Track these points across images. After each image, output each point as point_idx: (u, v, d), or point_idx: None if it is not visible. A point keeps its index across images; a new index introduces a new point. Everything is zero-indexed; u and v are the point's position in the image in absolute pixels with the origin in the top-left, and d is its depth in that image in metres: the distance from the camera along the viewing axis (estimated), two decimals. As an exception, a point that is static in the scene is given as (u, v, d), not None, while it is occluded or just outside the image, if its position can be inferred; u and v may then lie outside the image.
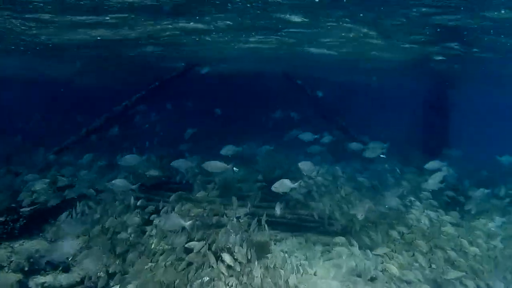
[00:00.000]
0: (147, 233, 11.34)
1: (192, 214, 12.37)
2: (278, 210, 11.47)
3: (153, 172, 13.75)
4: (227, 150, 13.65)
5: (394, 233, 11.30)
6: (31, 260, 10.34)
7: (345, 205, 13.07)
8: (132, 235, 11.06)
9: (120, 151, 17.57)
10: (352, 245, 10.89)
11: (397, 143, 21.78)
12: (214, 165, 11.82)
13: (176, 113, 24.82)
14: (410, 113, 27.48)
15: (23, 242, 11.06)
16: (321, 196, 13.85)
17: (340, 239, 11.28)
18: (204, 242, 10.12)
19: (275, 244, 12.30)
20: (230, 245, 10.20)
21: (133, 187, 11.65)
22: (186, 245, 10.07)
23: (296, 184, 10.78)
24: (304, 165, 12.01)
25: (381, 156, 15.86)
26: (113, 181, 11.37)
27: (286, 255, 11.45)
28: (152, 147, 19.24)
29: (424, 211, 12.46)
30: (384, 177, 16.27)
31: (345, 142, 17.02)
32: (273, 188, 10.69)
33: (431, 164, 14.34)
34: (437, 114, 23.80)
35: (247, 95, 33.61)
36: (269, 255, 11.28)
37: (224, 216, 12.50)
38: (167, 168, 15.24)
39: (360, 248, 10.94)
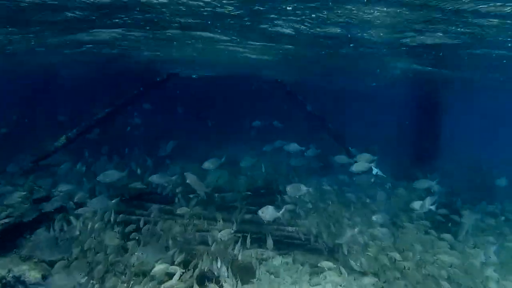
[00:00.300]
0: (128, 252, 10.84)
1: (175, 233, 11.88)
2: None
3: (136, 185, 13.28)
4: (210, 164, 12.97)
5: (385, 259, 10.90)
6: (3, 281, 9.80)
7: (332, 225, 12.62)
8: (112, 256, 10.54)
9: (100, 156, 17.20)
10: (340, 273, 10.49)
11: (388, 152, 21.62)
12: (194, 180, 11.39)
13: (159, 118, 24.34)
14: (403, 120, 27.21)
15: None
16: (308, 215, 13.43)
17: (327, 264, 10.86)
18: (184, 270, 9.66)
19: (260, 263, 11.92)
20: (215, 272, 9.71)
21: (112, 202, 11.16)
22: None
23: (280, 212, 10.28)
24: (293, 189, 11.25)
25: (376, 172, 15.55)
26: (92, 200, 10.84)
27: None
28: (134, 153, 18.63)
29: (416, 233, 12.11)
30: (374, 192, 15.88)
31: (332, 154, 16.36)
32: (259, 213, 10.21)
33: (420, 183, 14.04)
34: (428, 121, 23.57)
35: (234, 100, 33.34)
36: (254, 279, 10.85)
37: (208, 233, 11.97)
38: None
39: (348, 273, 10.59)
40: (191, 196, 13.66)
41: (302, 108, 20.00)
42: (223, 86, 33.59)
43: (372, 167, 19.24)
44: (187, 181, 11.43)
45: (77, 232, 11.27)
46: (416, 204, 12.65)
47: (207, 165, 12.77)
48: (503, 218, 14.82)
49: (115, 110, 14.67)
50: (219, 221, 12.14)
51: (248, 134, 22.89)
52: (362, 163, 13.58)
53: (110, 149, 17.86)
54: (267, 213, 9.98)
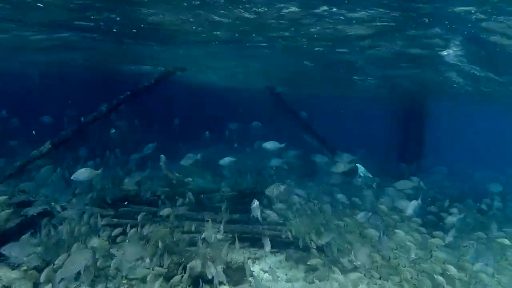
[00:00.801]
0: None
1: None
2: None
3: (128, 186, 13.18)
4: (187, 159, 13.29)
5: (377, 257, 10.92)
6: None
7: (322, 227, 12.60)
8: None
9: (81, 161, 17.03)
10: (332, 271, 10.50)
11: (374, 154, 21.94)
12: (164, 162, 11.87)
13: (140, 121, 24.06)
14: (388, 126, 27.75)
15: (-18, 269, 10.08)
16: (297, 217, 13.42)
17: (317, 260, 11.02)
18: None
19: (254, 262, 11.85)
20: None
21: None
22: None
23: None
24: (272, 189, 11.25)
25: (362, 172, 15.62)
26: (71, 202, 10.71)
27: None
28: (116, 157, 18.44)
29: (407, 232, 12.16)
30: (361, 193, 15.96)
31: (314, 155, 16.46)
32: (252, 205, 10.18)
33: (401, 184, 14.20)
34: (413, 126, 24.08)
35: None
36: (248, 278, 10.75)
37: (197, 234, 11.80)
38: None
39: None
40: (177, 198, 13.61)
41: (292, 114, 20.13)
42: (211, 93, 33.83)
43: (358, 167, 19.50)
44: (160, 163, 11.46)
45: (63, 237, 11.02)
46: (402, 204, 12.86)
47: (184, 161, 13.14)
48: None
49: (101, 115, 14.45)
50: (208, 221, 11.97)
51: (232, 139, 22.85)
52: (341, 163, 13.57)
53: (91, 153, 17.68)
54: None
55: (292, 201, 14.18)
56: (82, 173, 11.23)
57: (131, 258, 8.66)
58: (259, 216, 10.08)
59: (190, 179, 15.69)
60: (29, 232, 10.87)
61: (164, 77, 16.44)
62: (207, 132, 22.94)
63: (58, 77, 32.97)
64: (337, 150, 18.94)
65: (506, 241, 12.61)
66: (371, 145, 23.47)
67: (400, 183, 14.20)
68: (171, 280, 9.35)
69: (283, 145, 16.29)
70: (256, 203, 9.88)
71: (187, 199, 13.58)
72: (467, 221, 14.66)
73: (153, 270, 9.64)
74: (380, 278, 10.26)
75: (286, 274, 11.40)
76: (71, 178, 11.26)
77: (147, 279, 9.49)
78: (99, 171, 11.51)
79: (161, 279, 9.23)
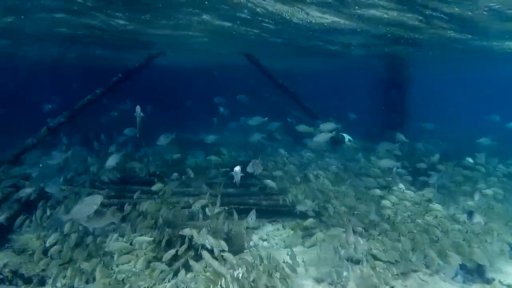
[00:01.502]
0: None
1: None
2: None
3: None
4: (163, 139, 13.20)
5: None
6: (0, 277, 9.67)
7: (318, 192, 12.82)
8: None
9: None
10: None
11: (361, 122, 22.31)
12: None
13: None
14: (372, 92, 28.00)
15: (-11, 256, 10.29)
16: (292, 183, 13.76)
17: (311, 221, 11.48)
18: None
19: (252, 232, 12.31)
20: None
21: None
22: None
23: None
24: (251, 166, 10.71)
25: (349, 139, 15.93)
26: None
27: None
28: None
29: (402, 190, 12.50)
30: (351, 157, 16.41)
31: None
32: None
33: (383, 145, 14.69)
34: (396, 91, 24.44)
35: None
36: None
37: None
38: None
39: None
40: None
41: (276, 84, 20.22)
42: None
43: (344, 136, 19.90)
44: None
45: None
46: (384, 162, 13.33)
47: (161, 140, 13.09)
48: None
49: (96, 98, 14.59)
50: (206, 194, 12.22)
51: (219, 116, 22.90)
52: (324, 133, 13.72)
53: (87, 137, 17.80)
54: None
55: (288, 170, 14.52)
56: (54, 157, 11.61)
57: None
58: (237, 182, 10.01)
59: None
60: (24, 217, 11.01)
61: (150, 60, 16.56)
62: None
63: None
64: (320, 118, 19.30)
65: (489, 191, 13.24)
66: (355, 112, 23.66)
67: (382, 144, 14.66)
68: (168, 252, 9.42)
69: (266, 118, 16.74)
70: (237, 168, 10.00)
71: (182, 176, 13.86)
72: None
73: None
74: (379, 235, 10.67)
75: (284, 241, 11.92)
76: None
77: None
78: (69, 153, 11.66)
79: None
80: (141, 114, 11.79)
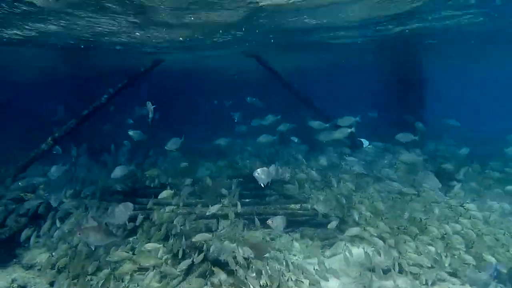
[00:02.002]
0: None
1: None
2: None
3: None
4: (172, 144, 12.88)
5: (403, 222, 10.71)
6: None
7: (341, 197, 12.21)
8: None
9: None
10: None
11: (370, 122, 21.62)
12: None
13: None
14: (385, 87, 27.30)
15: (-4, 272, 9.84)
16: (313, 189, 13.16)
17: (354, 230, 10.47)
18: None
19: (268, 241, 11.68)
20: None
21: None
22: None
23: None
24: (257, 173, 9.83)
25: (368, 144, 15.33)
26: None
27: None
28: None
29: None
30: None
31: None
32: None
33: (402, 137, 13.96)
34: (410, 88, 23.68)
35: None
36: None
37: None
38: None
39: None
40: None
41: (285, 85, 19.69)
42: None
43: (363, 141, 19.20)
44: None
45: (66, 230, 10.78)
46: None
47: (169, 145, 12.78)
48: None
49: (101, 105, 14.15)
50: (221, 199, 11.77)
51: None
52: (343, 128, 13.16)
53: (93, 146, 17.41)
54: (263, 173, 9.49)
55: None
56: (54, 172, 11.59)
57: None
58: (263, 184, 9.50)
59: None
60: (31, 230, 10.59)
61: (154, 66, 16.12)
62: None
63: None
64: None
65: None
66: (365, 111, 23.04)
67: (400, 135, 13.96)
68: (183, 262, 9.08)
69: (278, 117, 16.40)
70: (259, 170, 9.42)
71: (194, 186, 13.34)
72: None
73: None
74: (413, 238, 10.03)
75: (302, 252, 11.28)
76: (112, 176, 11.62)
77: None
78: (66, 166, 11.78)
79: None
80: (152, 108, 11.49)
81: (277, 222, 9.18)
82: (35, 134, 15.09)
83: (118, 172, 11.50)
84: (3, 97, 31.79)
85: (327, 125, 14.60)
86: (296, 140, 17.65)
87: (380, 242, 9.57)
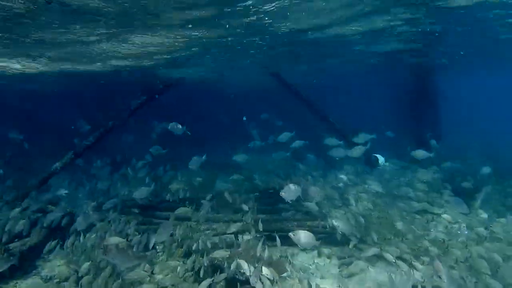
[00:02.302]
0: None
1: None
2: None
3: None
4: (194, 162, 13.20)
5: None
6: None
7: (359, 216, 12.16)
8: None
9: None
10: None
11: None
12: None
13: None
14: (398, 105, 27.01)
15: (17, 283, 9.93)
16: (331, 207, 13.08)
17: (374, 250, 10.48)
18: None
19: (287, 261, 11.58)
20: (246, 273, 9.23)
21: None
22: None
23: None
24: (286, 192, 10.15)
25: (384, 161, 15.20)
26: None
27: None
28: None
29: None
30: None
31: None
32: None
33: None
34: (426, 103, 23.38)
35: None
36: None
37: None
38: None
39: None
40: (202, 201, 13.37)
41: (303, 102, 19.66)
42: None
43: (378, 157, 19.01)
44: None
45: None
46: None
47: (193, 163, 13.08)
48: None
49: (120, 122, 14.30)
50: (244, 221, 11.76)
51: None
52: (359, 147, 13.08)
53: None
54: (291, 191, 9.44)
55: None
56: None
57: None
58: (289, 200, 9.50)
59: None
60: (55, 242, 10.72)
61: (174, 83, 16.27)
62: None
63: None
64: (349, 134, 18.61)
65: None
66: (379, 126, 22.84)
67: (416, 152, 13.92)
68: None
69: (293, 133, 16.29)
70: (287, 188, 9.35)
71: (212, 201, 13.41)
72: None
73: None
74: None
75: (319, 270, 11.16)
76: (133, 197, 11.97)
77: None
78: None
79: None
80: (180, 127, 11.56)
81: (299, 236, 9.15)
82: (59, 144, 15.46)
83: (141, 193, 11.59)
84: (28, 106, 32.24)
85: (341, 142, 14.58)
86: (312, 157, 17.53)
87: (401, 264, 9.45)
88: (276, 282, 9.17)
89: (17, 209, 11.47)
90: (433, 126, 22.89)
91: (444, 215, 11.63)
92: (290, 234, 9.20)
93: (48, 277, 10.04)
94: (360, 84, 37.06)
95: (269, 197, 14.50)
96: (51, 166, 13.01)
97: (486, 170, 15.08)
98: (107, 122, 14.23)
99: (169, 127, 11.09)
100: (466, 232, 10.21)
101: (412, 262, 9.74)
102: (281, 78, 19.93)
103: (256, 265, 9.14)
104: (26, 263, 10.44)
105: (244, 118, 23.75)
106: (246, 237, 11.80)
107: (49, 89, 30.25)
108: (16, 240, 10.80)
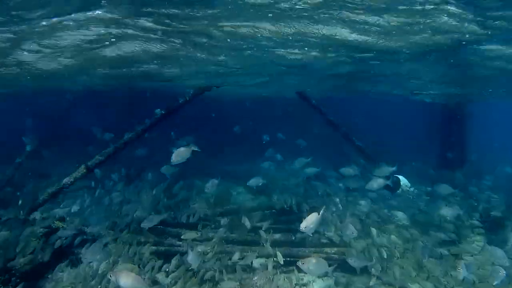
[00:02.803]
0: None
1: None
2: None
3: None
4: (210, 185, 13.29)
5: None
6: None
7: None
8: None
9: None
10: None
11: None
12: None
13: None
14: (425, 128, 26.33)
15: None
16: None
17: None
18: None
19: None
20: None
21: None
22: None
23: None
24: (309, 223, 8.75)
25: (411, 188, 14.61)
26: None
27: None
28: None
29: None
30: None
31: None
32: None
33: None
34: (454, 127, 22.55)
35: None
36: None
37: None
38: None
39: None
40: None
41: (327, 121, 19.10)
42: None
43: (401, 179, 18.19)
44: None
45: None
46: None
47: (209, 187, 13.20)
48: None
49: (137, 135, 13.92)
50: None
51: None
52: (378, 178, 12.46)
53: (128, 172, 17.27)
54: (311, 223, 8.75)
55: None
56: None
57: None
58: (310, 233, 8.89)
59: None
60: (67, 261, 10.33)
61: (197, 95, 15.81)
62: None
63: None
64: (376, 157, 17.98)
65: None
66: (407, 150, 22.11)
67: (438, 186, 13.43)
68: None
69: (309, 159, 15.90)
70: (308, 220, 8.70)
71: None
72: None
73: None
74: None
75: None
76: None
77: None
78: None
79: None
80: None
81: (310, 265, 8.52)
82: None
83: (151, 221, 11.13)
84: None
85: (357, 172, 14.41)
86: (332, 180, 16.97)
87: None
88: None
89: (29, 229, 11.05)
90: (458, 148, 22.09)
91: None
92: (299, 263, 8.54)
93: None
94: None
95: (283, 214, 14.10)
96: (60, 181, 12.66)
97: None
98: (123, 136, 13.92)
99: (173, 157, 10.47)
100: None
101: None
102: (305, 97, 19.45)
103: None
104: (30, 283, 10.01)
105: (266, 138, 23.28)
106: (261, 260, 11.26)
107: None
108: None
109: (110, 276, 7.80)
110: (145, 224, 10.94)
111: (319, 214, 8.64)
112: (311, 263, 8.55)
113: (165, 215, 12.19)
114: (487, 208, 14.53)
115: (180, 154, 10.45)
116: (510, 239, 11.86)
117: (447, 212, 12.27)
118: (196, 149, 10.62)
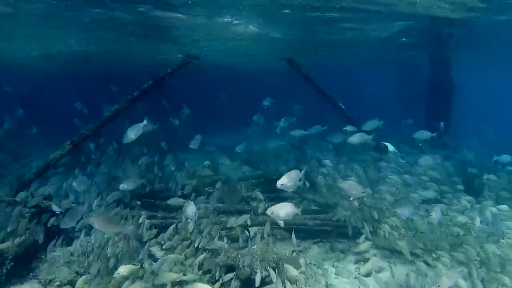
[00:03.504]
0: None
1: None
2: None
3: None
4: (195, 141, 13.37)
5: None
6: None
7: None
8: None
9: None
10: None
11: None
12: None
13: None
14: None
15: (13, 289, 9.25)
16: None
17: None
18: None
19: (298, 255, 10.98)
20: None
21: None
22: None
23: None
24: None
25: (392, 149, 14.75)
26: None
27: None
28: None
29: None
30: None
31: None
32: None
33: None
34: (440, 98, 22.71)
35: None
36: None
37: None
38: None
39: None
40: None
41: (317, 90, 18.89)
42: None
43: (388, 144, 18.41)
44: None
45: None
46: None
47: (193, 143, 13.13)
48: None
49: (124, 107, 13.47)
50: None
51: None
52: (360, 133, 12.57)
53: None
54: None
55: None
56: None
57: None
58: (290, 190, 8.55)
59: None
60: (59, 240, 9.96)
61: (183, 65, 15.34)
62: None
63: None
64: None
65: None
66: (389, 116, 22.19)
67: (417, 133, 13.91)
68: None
69: (293, 119, 16.76)
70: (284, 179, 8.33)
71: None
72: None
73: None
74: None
75: (333, 266, 10.57)
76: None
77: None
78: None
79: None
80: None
81: (277, 212, 8.07)
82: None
83: (128, 184, 10.78)
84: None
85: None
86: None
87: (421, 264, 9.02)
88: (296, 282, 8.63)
89: (18, 208, 10.63)
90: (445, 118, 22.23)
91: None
92: (267, 211, 8.06)
93: (48, 281, 9.29)
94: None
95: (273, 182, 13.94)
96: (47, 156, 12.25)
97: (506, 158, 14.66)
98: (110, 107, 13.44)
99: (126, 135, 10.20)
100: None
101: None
102: (294, 64, 19.18)
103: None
104: (21, 265, 9.68)
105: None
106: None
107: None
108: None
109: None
110: (124, 186, 10.66)
111: (300, 172, 8.47)
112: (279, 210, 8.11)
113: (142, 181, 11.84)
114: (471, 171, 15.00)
115: (133, 130, 10.25)
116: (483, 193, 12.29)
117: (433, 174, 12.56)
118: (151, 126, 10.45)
